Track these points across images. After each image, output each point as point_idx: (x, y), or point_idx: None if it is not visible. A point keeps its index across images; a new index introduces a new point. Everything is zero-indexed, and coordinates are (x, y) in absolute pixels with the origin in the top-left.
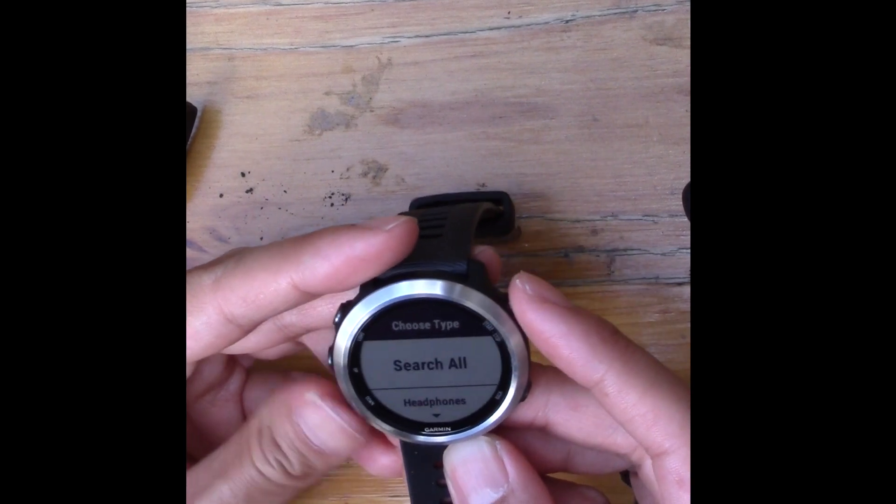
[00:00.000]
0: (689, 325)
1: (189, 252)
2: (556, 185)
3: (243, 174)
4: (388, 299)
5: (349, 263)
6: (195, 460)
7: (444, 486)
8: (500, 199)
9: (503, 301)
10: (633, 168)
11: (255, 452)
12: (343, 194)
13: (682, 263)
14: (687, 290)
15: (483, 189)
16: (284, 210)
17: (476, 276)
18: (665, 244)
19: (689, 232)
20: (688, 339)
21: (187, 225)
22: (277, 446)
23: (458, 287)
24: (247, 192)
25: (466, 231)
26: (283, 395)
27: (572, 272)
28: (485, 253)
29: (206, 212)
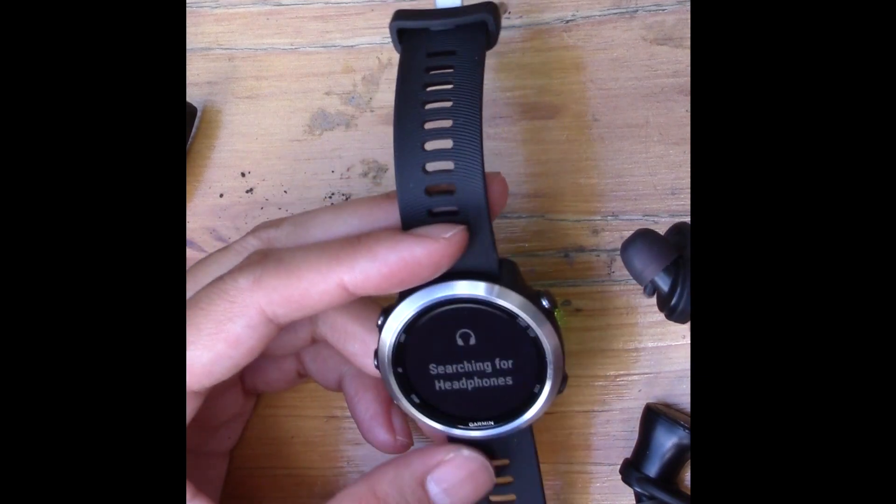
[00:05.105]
0: (689, 325)
1: (189, 252)
2: (556, 185)
3: (243, 174)
4: (429, 299)
5: (406, 268)
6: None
7: None
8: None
9: (535, 298)
10: (633, 168)
11: None
12: (343, 194)
13: None
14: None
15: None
16: (284, 210)
17: (508, 276)
18: None
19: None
20: (688, 339)
21: (187, 225)
22: None
23: (496, 288)
24: (247, 192)
25: (485, 223)
26: None
27: (572, 272)
28: (494, 186)
29: (206, 212)
